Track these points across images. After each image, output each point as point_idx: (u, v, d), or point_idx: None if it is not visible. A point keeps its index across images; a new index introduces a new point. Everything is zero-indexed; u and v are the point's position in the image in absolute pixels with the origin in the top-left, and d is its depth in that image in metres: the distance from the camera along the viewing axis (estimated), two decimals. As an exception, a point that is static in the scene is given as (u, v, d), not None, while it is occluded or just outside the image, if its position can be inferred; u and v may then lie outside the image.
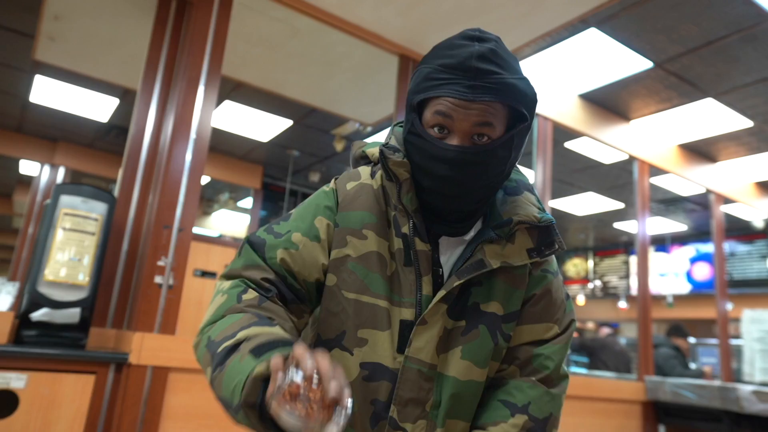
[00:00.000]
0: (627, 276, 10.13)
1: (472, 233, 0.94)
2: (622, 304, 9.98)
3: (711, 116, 4.60)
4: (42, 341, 2.08)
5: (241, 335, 0.78)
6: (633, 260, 9.81)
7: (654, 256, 9.30)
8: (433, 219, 0.92)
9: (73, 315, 2.13)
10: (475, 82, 0.80)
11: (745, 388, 3.54)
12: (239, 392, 0.70)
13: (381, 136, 4.85)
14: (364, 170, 1.00)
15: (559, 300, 0.98)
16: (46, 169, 6.44)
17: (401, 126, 0.99)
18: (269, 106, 5.11)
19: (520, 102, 0.83)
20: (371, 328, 0.89)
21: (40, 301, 2.09)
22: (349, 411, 0.63)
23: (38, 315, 2.07)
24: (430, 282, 0.90)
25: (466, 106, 0.81)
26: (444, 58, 0.82)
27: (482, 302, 0.91)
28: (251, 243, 0.93)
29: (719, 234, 5.27)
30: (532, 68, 3.99)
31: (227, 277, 0.92)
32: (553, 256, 1.00)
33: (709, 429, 3.79)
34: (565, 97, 4.26)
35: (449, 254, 0.93)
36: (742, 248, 8.60)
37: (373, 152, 1.02)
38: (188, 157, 2.44)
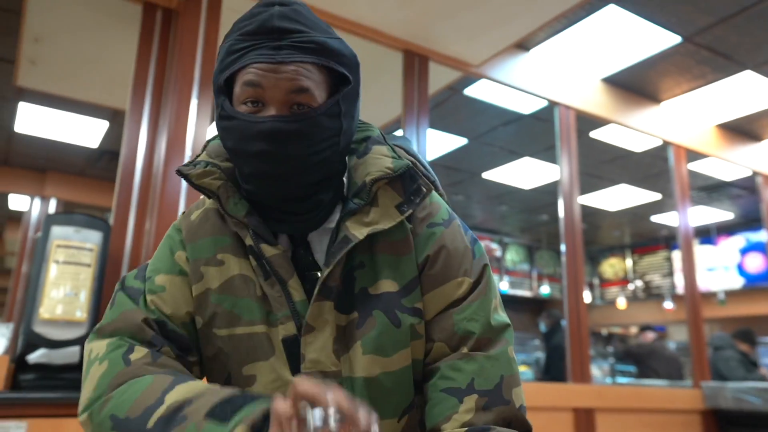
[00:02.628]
0: (671, 273, 9.99)
1: (336, 216, 0.88)
2: (668, 304, 9.84)
3: (751, 90, 4.54)
4: (41, 385, 2.08)
5: (171, 400, 0.70)
6: (676, 256, 9.67)
7: (699, 250, 9.17)
8: (279, 219, 0.86)
9: (72, 354, 2.13)
10: (280, 42, 0.77)
11: (815, 388, 3.46)
12: None
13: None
14: None
15: (461, 248, 0.89)
16: (37, 202, 6.53)
17: (216, 140, 0.94)
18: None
19: (338, 62, 0.80)
20: (254, 362, 0.83)
21: (36, 341, 2.10)
22: None
23: (35, 357, 2.08)
24: (299, 285, 0.84)
25: (275, 70, 0.77)
26: (243, 26, 0.79)
27: (369, 285, 0.85)
28: (124, 289, 0.88)
29: (770, 219, 5.18)
30: (549, 54, 3.98)
31: (100, 333, 0.85)
32: (442, 204, 0.94)
33: (778, 436, 3.70)
34: (586, 83, 4.23)
35: (321, 249, 0.88)
36: (796, 234, 8.45)
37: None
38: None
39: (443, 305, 0.87)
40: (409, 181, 0.87)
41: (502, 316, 0.89)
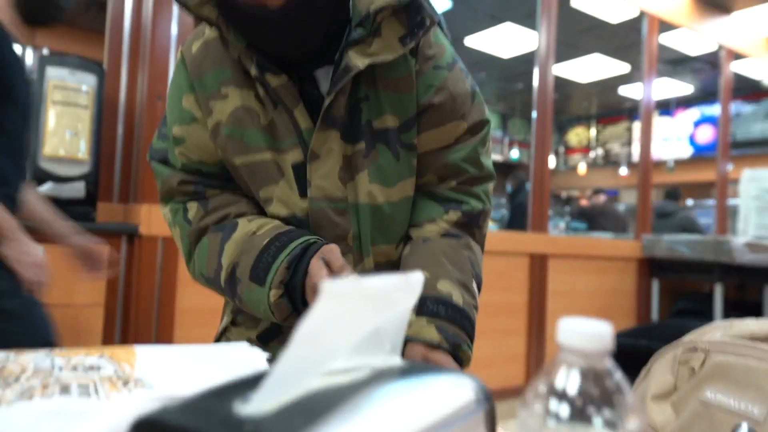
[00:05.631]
0: (629, 143, 10.11)
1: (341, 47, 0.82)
2: (623, 170, 10.07)
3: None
4: (52, 216, 2.12)
5: (226, 263, 0.81)
6: (636, 126, 9.72)
7: (658, 121, 9.21)
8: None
9: (78, 189, 2.15)
10: None
11: (738, 240, 3.67)
12: (271, 316, 0.78)
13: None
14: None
15: (462, 92, 0.87)
16: (29, 52, 6.20)
17: None
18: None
19: None
20: (268, 185, 0.83)
21: (42, 176, 2.10)
22: None
23: (44, 190, 2.10)
24: (305, 114, 0.81)
25: None
26: None
27: (374, 119, 0.83)
28: (153, 159, 0.90)
29: (727, 94, 5.17)
30: None
31: (163, 200, 0.90)
32: (447, 46, 0.89)
33: (699, 280, 3.98)
34: (572, -53, 3.96)
35: (327, 81, 0.82)
36: (747, 108, 8.47)
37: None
38: (174, 26, 2.34)
39: (439, 145, 0.88)
40: (413, 12, 0.79)
41: (489, 162, 0.92)
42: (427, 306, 0.80)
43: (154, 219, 2.19)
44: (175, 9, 2.36)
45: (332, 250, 0.74)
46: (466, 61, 0.91)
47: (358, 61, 0.77)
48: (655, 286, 4.12)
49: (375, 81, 0.82)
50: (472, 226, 0.90)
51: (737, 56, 5.34)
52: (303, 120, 0.81)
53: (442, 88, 0.86)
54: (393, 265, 0.90)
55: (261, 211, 0.89)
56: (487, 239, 0.96)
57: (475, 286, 0.86)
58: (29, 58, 6.15)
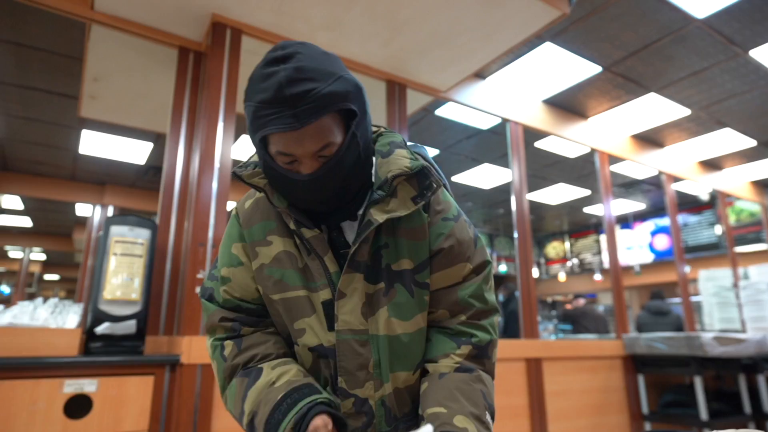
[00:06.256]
0: (599, 252, 10.07)
1: (365, 206, 0.87)
2: (597, 276, 9.93)
3: (655, 108, 4.59)
4: (107, 351, 2.08)
5: (248, 409, 0.82)
6: (603, 238, 9.76)
7: (620, 233, 9.26)
8: (315, 215, 0.87)
9: (130, 326, 2.13)
10: (296, 109, 0.72)
11: (707, 335, 3.52)
12: None
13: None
14: None
15: (466, 239, 0.92)
16: (98, 209, 6.46)
17: None
18: (280, 136, 5.10)
19: (345, 101, 0.76)
20: (302, 318, 0.86)
21: (101, 317, 2.10)
22: None
23: (101, 329, 2.08)
24: (333, 260, 0.85)
25: (298, 138, 0.75)
26: (260, 92, 0.74)
27: (393, 262, 0.87)
28: (203, 297, 0.94)
29: (673, 209, 5.25)
30: (501, 81, 4.00)
31: (207, 333, 0.93)
32: (453, 202, 0.95)
33: (680, 373, 3.76)
34: (531, 104, 4.26)
35: (352, 232, 0.88)
36: (693, 219, 8.55)
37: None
38: (214, 184, 2.46)
39: (449, 283, 0.90)
40: (423, 178, 0.86)
41: (493, 297, 0.94)
42: None
43: (194, 349, 2.15)
44: (216, 169, 2.50)
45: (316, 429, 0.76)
46: (454, 193, 0.95)
47: (378, 216, 0.83)
48: (641, 381, 3.88)
49: (395, 231, 0.87)
50: (482, 357, 0.89)
51: (676, 179, 5.51)
52: (332, 265, 0.85)
53: (450, 236, 0.90)
54: (411, 389, 0.89)
55: (288, 348, 0.90)
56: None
57: (488, 417, 0.84)
58: (97, 215, 6.42)
